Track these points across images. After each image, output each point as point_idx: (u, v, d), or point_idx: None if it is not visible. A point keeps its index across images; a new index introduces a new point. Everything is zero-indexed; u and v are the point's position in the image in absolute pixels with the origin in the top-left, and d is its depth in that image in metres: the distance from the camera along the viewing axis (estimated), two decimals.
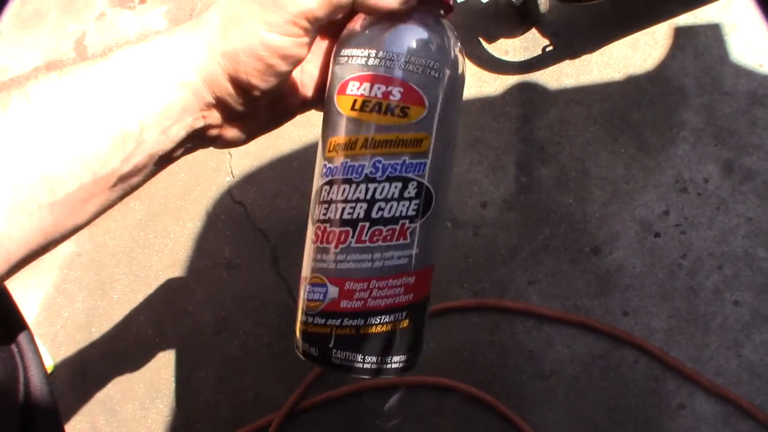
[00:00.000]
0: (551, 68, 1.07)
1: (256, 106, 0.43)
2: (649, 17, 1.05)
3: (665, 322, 0.90)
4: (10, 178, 0.37)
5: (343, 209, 0.42)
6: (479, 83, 1.09)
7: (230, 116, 0.43)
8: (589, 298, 0.93)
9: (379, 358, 0.43)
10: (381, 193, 0.41)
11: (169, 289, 1.11)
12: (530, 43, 1.09)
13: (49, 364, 1.11)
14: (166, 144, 0.41)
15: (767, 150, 0.95)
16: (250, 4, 0.39)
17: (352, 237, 0.42)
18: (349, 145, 0.41)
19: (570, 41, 1.07)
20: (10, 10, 1.45)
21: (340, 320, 0.42)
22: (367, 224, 0.41)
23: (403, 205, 0.42)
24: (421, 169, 0.42)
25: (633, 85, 1.03)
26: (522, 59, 1.09)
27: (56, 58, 1.38)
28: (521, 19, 1.09)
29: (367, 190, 0.41)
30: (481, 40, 1.10)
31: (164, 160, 0.42)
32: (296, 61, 0.41)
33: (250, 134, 0.46)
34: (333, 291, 0.42)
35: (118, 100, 0.39)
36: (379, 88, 0.40)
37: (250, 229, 1.10)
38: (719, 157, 0.96)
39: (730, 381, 0.86)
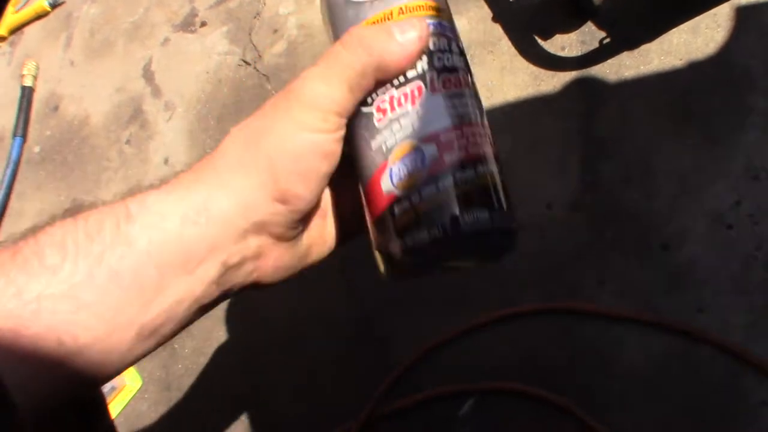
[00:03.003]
0: (610, 61, 1.04)
1: (295, 228, 0.41)
2: None
3: (743, 317, 0.87)
4: (12, 328, 0.34)
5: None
6: (536, 82, 1.07)
7: (268, 247, 0.40)
8: (661, 296, 0.91)
9: (500, 208, 0.39)
10: (434, 44, 0.40)
11: (245, 304, 1.14)
12: (587, 37, 1.07)
13: (138, 381, 1.17)
14: (194, 287, 0.37)
15: None
16: (272, 113, 0.38)
17: (426, 88, 0.39)
18: (386, 17, 0.40)
19: (627, 32, 1.05)
20: (80, 41, 1.52)
21: (451, 177, 0.38)
22: (434, 73, 0.39)
23: (456, 57, 0.41)
24: (452, 32, 0.42)
25: (696, 71, 1.00)
26: (579, 54, 1.07)
27: (126, 85, 1.43)
28: (576, 13, 1.07)
29: None
30: (536, 37, 1.09)
31: (200, 309, 0.39)
32: (335, 160, 0.39)
33: (288, 272, 0.43)
34: (431, 149, 0.38)
35: (125, 246, 0.36)
36: None
37: None
38: None
39: None
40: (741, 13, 1.00)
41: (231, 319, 1.14)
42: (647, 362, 0.89)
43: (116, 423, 1.14)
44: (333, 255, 0.47)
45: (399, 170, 0.38)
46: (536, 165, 1.03)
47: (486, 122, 0.41)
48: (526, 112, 1.06)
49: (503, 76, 1.10)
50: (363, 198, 0.41)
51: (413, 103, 0.39)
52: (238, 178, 0.37)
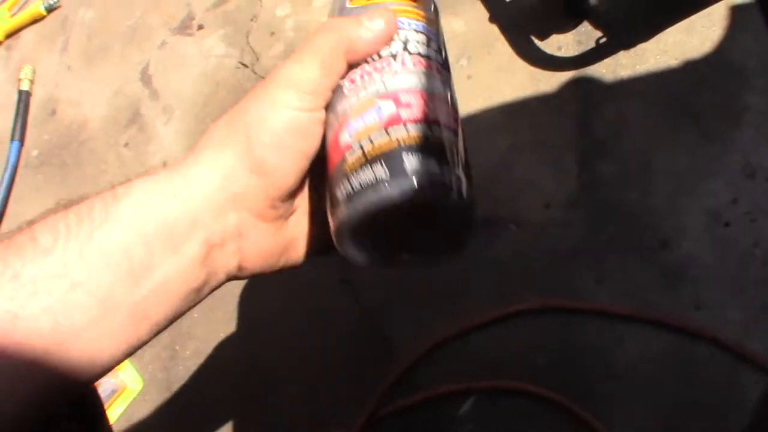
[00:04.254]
0: (606, 60, 1.05)
1: (274, 208, 0.41)
2: None
3: (740, 314, 0.88)
4: (6, 311, 0.34)
5: (380, 51, 0.42)
6: (534, 82, 1.08)
7: (248, 226, 0.41)
8: (659, 294, 0.91)
9: (452, 171, 0.39)
10: (412, 37, 0.43)
11: (244, 305, 1.15)
12: (583, 37, 1.08)
13: (139, 383, 1.17)
14: (180, 266, 0.38)
15: None
16: (253, 96, 0.40)
17: (395, 62, 0.41)
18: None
19: (623, 31, 1.05)
20: (77, 46, 1.52)
21: (404, 129, 0.38)
22: (406, 54, 0.42)
23: (433, 50, 0.43)
24: (434, 35, 0.45)
25: (691, 70, 1.01)
26: (576, 54, 1.08)
27: (123, 88, 1.44)
28: (572, 13, 1.08)
29: (398, 34, 0.42)
30: (533, 38, 1.10)
31: (189, 293, 0.40)
32: (313, 141, 0.41)
33: (269, 261, 0.43)
34: (388, 105, 0.39)
35: (113, 224, 0.37)
36: None
37: None
38: None
39: None
40: (736, 12, 1.01)
41: (232, 321, 1.15)
42: (645, 360, 0.89)
43: (117, 426, 1.15)
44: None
45: (356, 123, 0.39)
46: (534, 164, 1.04)
47: (457, 113, 0.43)
48: (524, 112, 1.07)
49: (501, 76, 1.11)
50: (326, 165, 0.42)
51: (381, 73, 0.41)
52: (217, 153, 0.39)
